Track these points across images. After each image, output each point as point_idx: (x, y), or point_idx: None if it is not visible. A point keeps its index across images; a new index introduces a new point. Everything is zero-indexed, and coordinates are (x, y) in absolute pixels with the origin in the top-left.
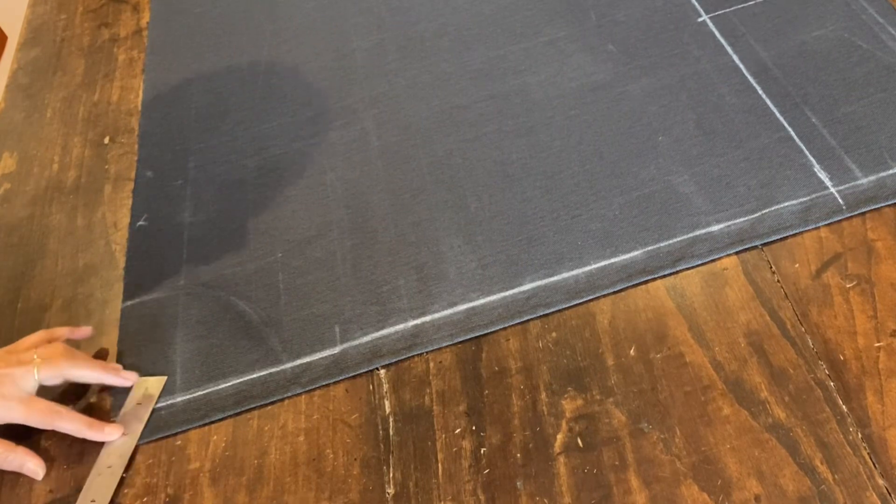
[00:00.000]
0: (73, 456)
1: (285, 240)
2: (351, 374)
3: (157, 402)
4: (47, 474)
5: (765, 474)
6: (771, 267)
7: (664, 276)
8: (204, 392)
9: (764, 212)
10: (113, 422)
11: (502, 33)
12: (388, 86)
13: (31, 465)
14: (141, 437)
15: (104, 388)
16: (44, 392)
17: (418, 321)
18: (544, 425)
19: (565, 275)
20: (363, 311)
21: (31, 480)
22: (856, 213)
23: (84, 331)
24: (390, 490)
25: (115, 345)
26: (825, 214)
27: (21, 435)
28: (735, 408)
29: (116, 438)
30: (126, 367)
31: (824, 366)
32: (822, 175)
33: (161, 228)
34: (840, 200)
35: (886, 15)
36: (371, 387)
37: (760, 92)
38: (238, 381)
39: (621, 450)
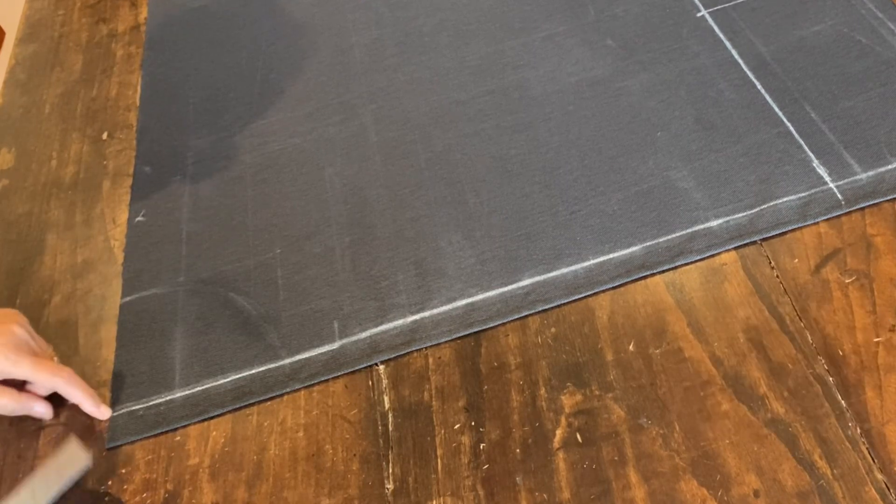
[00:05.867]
0: None
1: (284, 235)
2: (350, 370)
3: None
4: None
5: (764, 469)
6: (770, 262)
7: (663, 271)
8: (203, 388)
9: (763, 207)
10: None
11: (501, 29)
12: (386, 81)
13: (39, 408)
14: (139, 434)
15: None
16: None
17: (417, 317)
18: (543, 421)
19: (564, 270)
20: (362, 307)
21: None
22: (855, 208)
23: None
24: (389, 485)
25: (113, 341)
26: (824, 210)
27: None
28: (734, 403)
29: (107, 418)
30: (125, 364)
31: (823, 361)
32: (821, 170)
33: (159, 224)
34: (839, 196)
35: (885, 10)
36: (370, 382)
37: (759, 87)
38: (237, 376)
39: (620, 445)
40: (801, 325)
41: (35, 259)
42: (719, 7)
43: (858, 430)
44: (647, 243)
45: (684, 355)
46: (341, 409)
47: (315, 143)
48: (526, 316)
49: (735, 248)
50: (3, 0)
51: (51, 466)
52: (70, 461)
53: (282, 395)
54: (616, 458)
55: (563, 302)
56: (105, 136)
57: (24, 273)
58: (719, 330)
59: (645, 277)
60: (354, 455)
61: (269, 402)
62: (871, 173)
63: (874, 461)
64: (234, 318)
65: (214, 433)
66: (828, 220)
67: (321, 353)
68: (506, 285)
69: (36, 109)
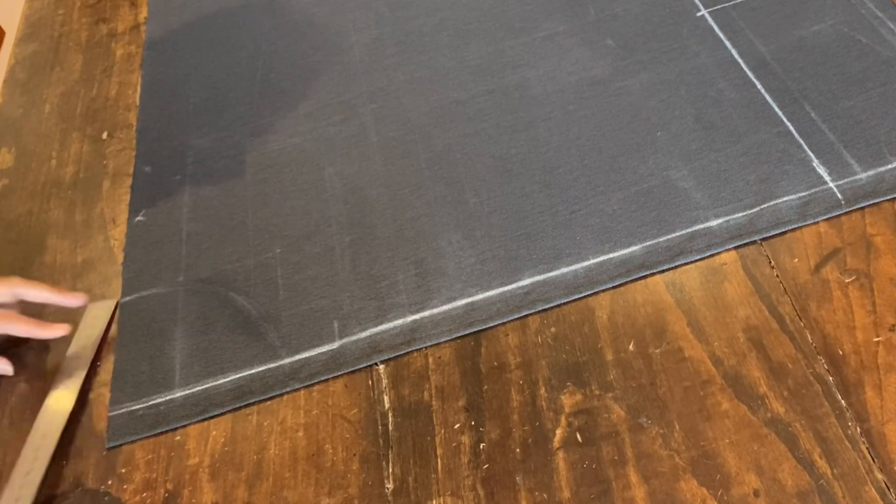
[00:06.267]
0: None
1: (284, 235)
2: (350, 370)
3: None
4: None
5: (764, 469)
6: (770, 262)
7: (663, 271)
8: (203, 387)
9: (763, 207)
10: (60, 323)
11: (501, 28)
12: (386, 81)
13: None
14: (139, 434)
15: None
16: None
17: (417, 316)
18: (543, 420)
19: (564, 270)
20: (362, 307)
21: None
22: (855, 207)
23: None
24: (389, 485)
25: (113, 340)
26: (824, 209)
27: None
28: (734, 402)
29: (62, 335)
30: (125, 364)
31: (823, 360)
32: (821, 170)
33: (159, 224)
34: (839, 195)
35: (885, 9)
36: (370, 382)
37: (759, 87)
38: (237, 376)
39: (620, 445)
40: (801, 324)
41: (35, 259)
42: (719, 7)
43: (858, 430)
44: (647, 243)
45: (684, 355)
46: (341, 409)
47: (315, 143)
48: (526, 316)
49: (735, 248)
50: (3, 0)
51: (84, 325)
52: (99, 314)
53: (282, 395)
54: (616, 458)
55: (563, 301)
56: (105, 135)
57: (24, 273)
58: (719, 330)
59: (645, 277)
60: (354, 455)
61: (269, 402)
62: (871, 173)
63: (874, 461)
64: (234, 318)
65: (214, 433)
66: (828, 219)
67: (321, 353)
68: (506, 285)
69: (36, 109)
